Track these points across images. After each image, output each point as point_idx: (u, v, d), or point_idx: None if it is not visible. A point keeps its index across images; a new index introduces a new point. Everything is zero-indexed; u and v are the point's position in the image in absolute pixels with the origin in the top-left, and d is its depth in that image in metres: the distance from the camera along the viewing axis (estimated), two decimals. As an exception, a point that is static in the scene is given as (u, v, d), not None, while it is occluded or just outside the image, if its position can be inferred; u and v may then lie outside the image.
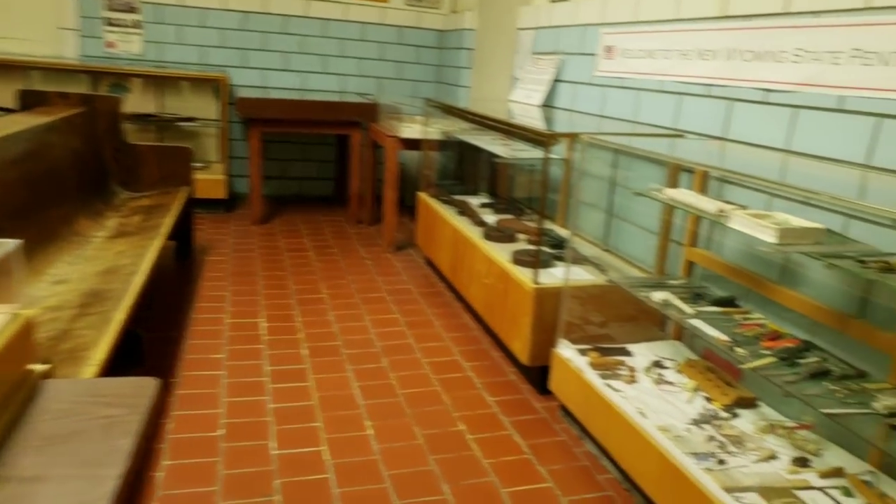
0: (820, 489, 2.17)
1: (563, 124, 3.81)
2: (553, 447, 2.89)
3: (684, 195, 2.69)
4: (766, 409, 2.67)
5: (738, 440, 2.40)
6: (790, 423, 2.51)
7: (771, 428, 2.49)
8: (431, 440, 2.86)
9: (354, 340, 3.73)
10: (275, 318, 3.90)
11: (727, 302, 2.79)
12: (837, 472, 2.24)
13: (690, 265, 3.16)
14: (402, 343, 3.74)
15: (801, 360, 2.28)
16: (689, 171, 3.15)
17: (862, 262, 1.94)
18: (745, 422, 2.55)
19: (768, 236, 2.14)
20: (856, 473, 2.23)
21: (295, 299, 4.20)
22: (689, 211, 2.66)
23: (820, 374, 2.18)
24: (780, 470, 2.26)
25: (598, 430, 2.73)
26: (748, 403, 2.69)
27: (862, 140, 2.38)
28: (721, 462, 2.27)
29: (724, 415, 2.60)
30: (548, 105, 4.50)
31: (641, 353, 3.08)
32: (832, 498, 2.12)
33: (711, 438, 2.40)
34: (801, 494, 2.13)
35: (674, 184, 3.20)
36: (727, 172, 2.88)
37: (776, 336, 2.47)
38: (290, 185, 6.70)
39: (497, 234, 3.86)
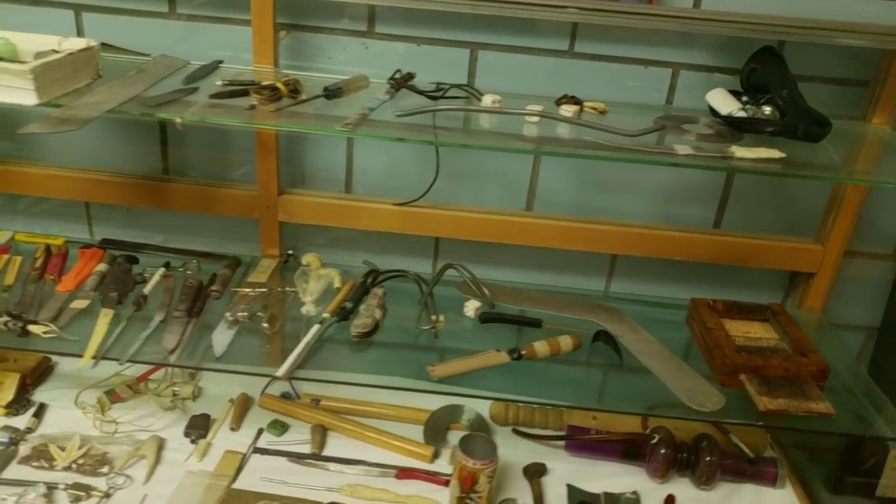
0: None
1: None
2: None
3: None
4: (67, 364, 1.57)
5: (96, 460, 1.31)
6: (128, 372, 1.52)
7: (111, 398, 1.46)
8: None
9: None
10: None
11: None
12: (244, 404, 1.48)
13: None
14: None
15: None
16: None
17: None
18: (62, 413, 1.44)
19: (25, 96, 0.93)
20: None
21: None
22: None
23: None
24: (194, 464, 1.35)
25: None
26: (45, 372, 1.53)
27: None
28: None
29: (20, 425, 1.39)
30: None
31: None
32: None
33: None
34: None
35: None
36: None
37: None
38: None
39: None
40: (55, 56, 0.98)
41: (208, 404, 1.49)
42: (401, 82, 1.18)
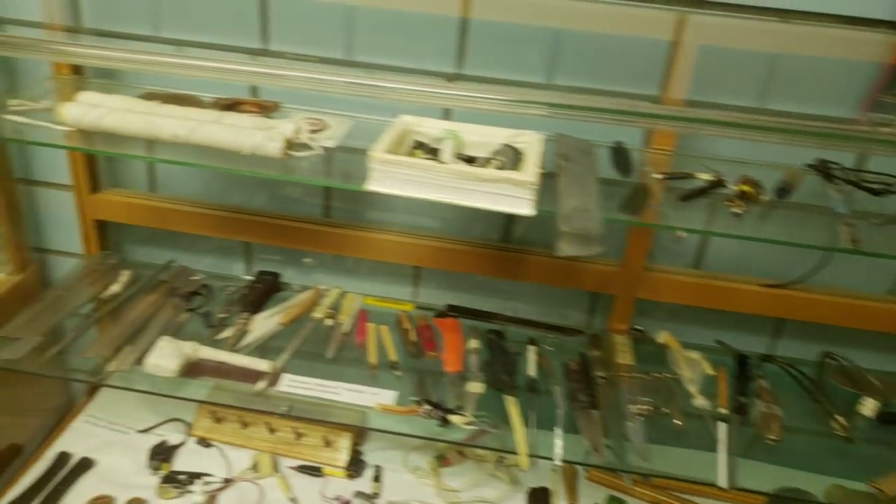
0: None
1: None
2: None
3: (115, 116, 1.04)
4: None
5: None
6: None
7: (441, 463, 1.47)
8: None
9: None
10: None
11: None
12: (572, 475, 1.46)
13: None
14: None
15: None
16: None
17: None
18: (394, 476, 1.45)
19: (522, 205, 0.91)
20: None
21: None
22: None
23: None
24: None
25: None
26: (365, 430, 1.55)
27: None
28: None
29: (362, 489, 1.41)
30: None
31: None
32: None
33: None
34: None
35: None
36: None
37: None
38: None
39: None
40: (535, 158, 0.96)
41: (530, 471, 1.47)
42: (829, 173, 1.11)
